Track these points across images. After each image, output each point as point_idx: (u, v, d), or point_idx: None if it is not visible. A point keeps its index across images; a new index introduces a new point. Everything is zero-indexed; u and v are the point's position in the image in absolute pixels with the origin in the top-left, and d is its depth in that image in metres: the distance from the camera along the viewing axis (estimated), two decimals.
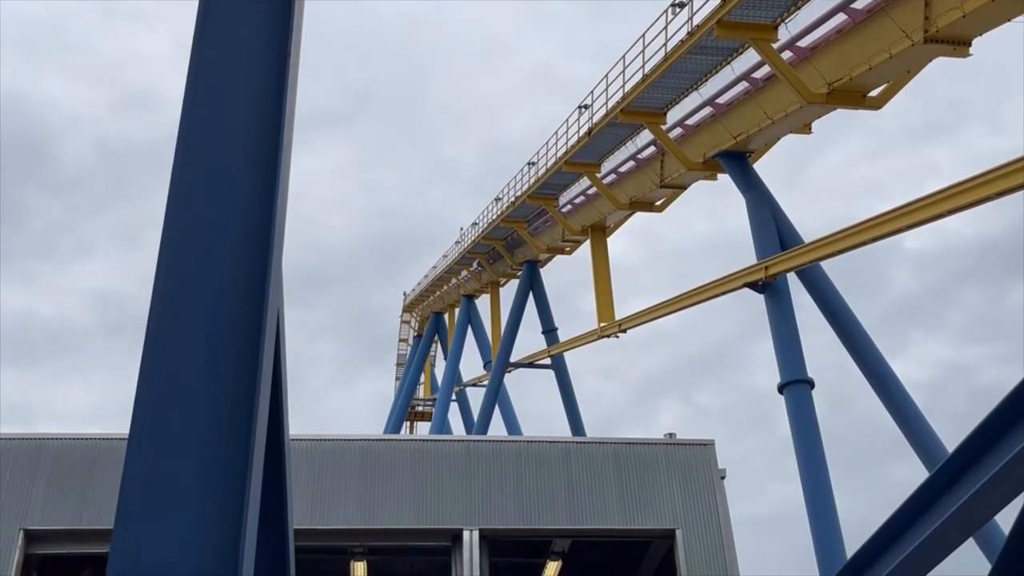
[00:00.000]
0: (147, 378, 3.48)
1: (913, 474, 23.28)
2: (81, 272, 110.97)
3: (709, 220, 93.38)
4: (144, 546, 3.20)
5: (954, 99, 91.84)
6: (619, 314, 34.55)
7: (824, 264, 24.49)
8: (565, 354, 42.01)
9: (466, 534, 20.51)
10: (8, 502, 19.73)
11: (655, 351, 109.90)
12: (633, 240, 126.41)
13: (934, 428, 23.93)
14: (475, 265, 50.47)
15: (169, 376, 3.48)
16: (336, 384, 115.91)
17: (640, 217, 35.57)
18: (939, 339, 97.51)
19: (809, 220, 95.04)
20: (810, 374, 24.17)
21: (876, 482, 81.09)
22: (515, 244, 43.73)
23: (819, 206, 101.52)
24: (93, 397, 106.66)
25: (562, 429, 42.79)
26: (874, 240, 21.75)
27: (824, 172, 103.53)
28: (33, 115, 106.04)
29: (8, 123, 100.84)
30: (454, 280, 52.44)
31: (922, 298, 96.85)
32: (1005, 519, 6.46)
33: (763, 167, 28.46)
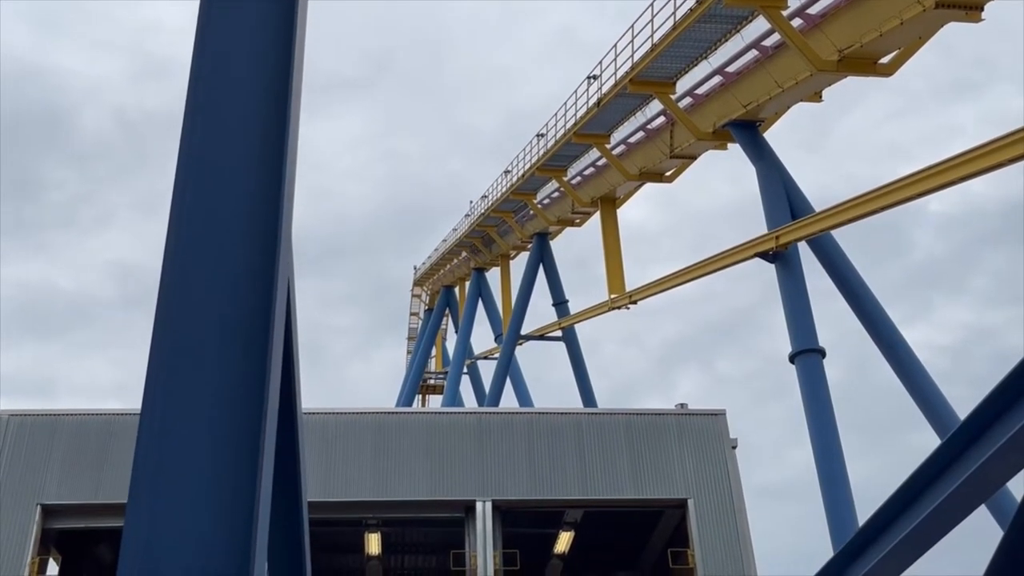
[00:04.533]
0: (158, 353, 3.49)
1: (934, 440, 23.26)
2: (101, 243, 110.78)
3: (731, 184, 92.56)
4: (156, 521, 3.22)
5: (980, 57, 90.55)
6: (637, 281, 34.49)
7: (846, 227, 24.14)
8: (583, 323, 41.84)
9: (479, 505, 20.64)
10: (25, 477, 19.92)
11: (675, 318, 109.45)
12: (653, 206, 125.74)
13: (955, 393, 23.91)
14: (463, 255, 50.51)
15: (179, 351, 3.48)
16: (356, 354, 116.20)
17: (659, 184, 35.36)
18: (963, 302, 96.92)
19: (833, 183, 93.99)
20: (831, 338, 24.12)
21: (898, 447, 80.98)
22: (525, 217, 43.66)
23: (843, 169, 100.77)
24: (114, 369, 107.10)
25: (574, 401, 42.87)
26: (885, 208, 21.62)
27: (849, 134, 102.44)
28: (51, 86, 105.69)
29: (26, 94, 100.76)
30: (464, 253, 52.40)
31: (946, 261, 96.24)
32: (1018, 485, 6.46)
33: (785, 130, 28.26)
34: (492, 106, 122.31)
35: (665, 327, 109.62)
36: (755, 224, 26.27)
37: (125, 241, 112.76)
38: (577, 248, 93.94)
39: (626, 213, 37.41)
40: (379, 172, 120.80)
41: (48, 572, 21.02)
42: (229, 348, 3.48)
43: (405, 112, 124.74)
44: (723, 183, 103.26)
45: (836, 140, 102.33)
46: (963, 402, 23.24)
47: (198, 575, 3.13)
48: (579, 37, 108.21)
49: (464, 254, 52.28)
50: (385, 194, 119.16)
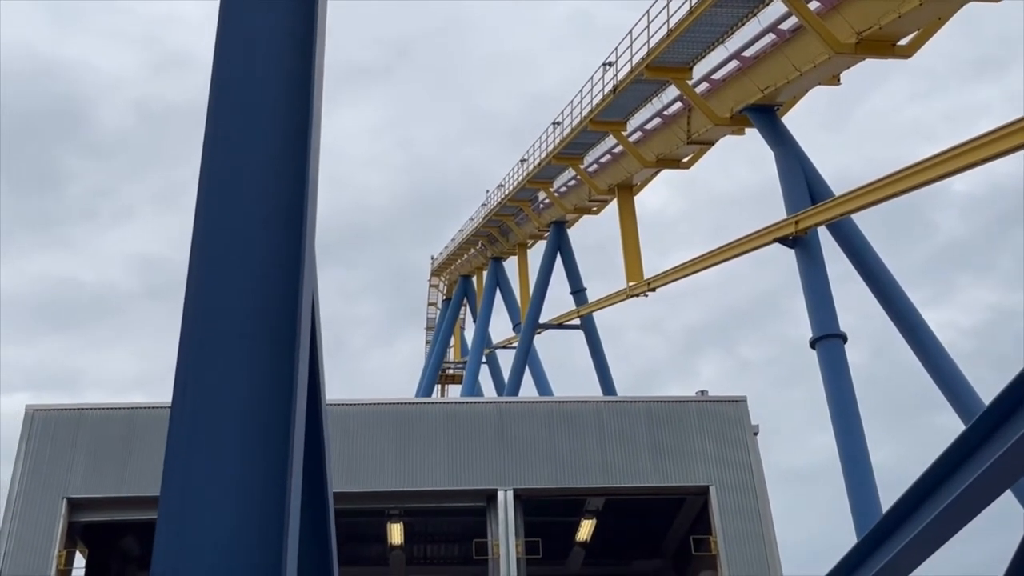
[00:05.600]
0: (187, 349, 3.52)
1: (957, 423, 23.12)
2: (122, 236, 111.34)
3: (750, 168, 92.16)
4: (189, 517, 3.26)
5: (1003, 37, 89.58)
6: (656, 267, 34.42)
7: (867, 210, 23.91)
8: (604, 310, 41.72)
9: (500, 494, 20.69)
10: (51, 472, 20.13)
11: (697, 304, 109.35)
12: (672, 192, 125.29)
13: (980, 375, 23.81)
14: (480, 244, 50.55)
15: (208, 347, 3.51)
16: (377, 343, 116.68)
17: (676, 170, 35.18)
18: (987, 284, 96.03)
19: (854, 165, 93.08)
20: (853, 322, 24.03)
21: (922, 430, 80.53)
22: (542, 206, 43.59)
23: (864, 151, 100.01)
24: (138, 362, 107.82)
25: (594, 389, 42.88)
26: (906, 191, 21.47)
27: (869, 116, 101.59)
28: (70, 79, 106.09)
29: (45, 87, 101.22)
30: (481, 243, 52.41)
31: (970, 242, 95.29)
32: None
33: (804, 113, 28.00)
34: (509, 92, 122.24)
35: (687, 313, 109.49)
36: (776, 208, 26.14)
37: (146, 234, 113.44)
38: (595, 235, 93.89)
39: (644, 199, 37.41)
40: (397, 160, 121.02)
41: (75, 565, 21.25)
42: (257, 343, 3.51)
43: (422, 99, 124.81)
44: (742, 167, 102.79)
45: (856, 122, 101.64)
46: (989, 384, 23.05)
47: (233, 570, 3.18)
48: (595, 22, 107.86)
49: (481, 244, 52.28)
50: (403, 182, 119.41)
